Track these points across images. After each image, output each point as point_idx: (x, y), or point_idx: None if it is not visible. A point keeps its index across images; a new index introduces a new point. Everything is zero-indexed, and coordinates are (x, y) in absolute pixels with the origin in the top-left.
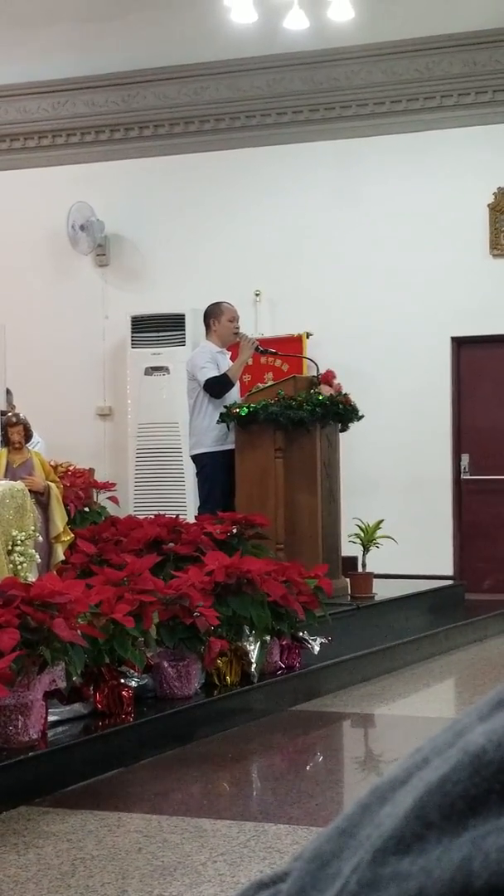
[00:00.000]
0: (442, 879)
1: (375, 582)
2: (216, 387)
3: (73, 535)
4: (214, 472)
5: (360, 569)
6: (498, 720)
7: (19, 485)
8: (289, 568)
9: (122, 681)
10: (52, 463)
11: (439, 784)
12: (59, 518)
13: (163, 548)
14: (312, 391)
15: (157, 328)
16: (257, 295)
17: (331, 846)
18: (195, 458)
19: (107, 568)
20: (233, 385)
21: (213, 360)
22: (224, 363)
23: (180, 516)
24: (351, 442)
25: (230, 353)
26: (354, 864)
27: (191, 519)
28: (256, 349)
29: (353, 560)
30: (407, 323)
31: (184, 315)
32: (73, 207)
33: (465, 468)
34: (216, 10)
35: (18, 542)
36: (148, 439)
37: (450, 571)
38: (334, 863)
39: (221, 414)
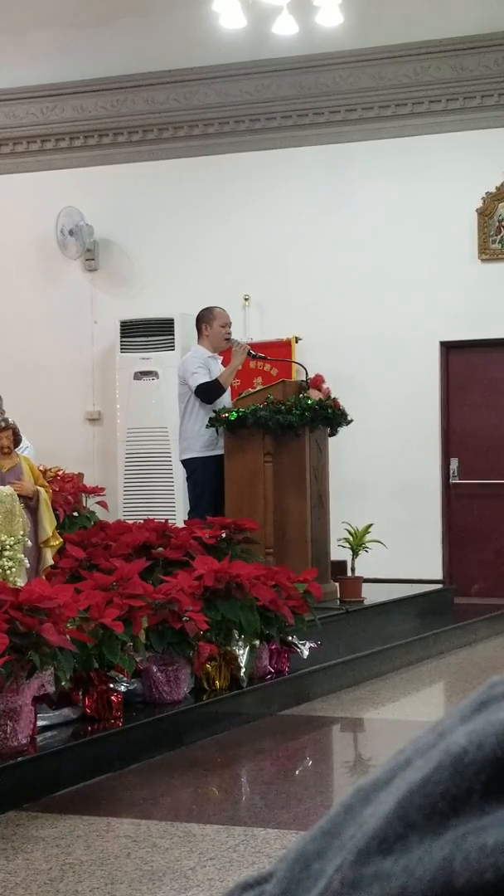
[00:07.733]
0: (424, 879)
1: (365, 586)
2: (208, 392)
3: (62, 540)
4: (204, 477)
5: (349, 573)
6: (479, 721)
7: (8, 489)
8: (278, 572)
9: (111, 686)
10: (42, 467)
11: (421, 784)
12: (49, 523)
13: (152, 552)
14: (301, 396)
15: (146, 333)
16: (246, 299)
17: (314, 847)
18: (185, 462)
19: (96, 573)
20: (224, 390)
21: (204, 364)
22: (215, 368)
23: (169, 521)
24: (340, 446)
25: (221, 357)
26: (338, 863)
27: (180, 523)
28: (249, 354)
29: (343, 564)
30: (396, 327)
31: (173, 320)
32: (61, 212)
33: (453, 472)
34: (205, 16)
35: (7, 546)
36: (137, 444)
37: (439, 575)
38: (318, 863)
39: (211, 418)
